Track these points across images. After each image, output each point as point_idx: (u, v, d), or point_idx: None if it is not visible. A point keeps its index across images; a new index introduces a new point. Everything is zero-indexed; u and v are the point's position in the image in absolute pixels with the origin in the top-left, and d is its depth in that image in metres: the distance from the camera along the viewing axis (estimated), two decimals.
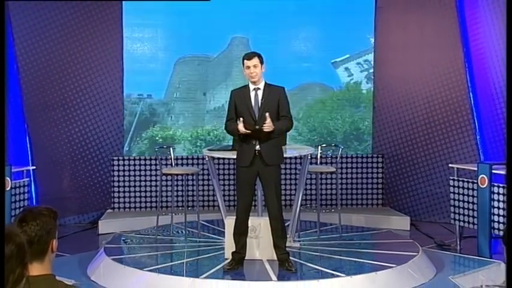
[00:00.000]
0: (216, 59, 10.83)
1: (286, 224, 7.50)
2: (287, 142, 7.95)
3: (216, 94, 10.82)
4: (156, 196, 10.17)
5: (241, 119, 6.85)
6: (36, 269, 3.22)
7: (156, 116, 10.87)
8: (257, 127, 6.87)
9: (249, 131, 6.82)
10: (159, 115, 10.88)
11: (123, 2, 10.55)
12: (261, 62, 7.03)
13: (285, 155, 7.46)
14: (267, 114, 6.82)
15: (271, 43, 10.44)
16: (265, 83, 7.12)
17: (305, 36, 10.90)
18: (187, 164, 10.44)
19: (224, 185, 10.23)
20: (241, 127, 6.81)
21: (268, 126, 6.79)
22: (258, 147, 6.92)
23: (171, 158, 9.34)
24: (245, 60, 7.03)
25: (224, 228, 7.81)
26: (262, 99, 7.01)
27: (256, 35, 10.64)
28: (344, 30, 10.79)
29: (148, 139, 10.77)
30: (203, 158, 9.63)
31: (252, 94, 7.05)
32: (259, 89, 7.06)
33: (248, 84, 7.11)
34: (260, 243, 7.49)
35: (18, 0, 10.20)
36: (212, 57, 10.83)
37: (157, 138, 10.75)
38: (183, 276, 7.06)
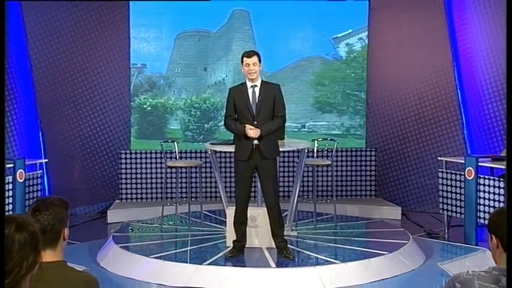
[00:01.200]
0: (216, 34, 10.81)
1: (284, 214, 7.50)
2: (285, 137, 7.98)
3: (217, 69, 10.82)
4: (161, 187, 10.17)
5: (247, 126, 6.89)
6: (48, 256, 3.24)
7: (156, 88, 10.86)
8: (255, 122, 6.90)
9: (257, 134, 6.86)
10: (159, 88, 10.87)
11: (131, 3, 10.54)
12: (259, 61, 7.05)
13: (283, 149, 7.47)
14: (247, 126, 6.87)
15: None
16: (262, 80, 7.14)
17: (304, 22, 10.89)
18: (190, 157, 10.45)
19: (226, 177, 10.23)
20: (252, 134, 6.84)
21: (254, 132, 6.85)
22: (256, 141, 6.93)
23: (175, 152, 9.34)
24: (245, 58, 7.03)
25: (226, 218, 7.81)
26: (259, 96, 7.02)
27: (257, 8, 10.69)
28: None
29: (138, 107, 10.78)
30: (206, 152, 9.65)
31: (250, 91, 7.05)
32: (256, 86, 7.06)
33: (245, 82, 7.11)
34: (259, 232, 7.50)
35: (32, 0, 10.21)
36: (212, 32, 10.81)
37: (145, 106, 10.74)
38: (187, 263, 7.07)
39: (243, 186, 7.12)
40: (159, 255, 7.33)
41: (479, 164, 8.61)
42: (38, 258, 2.49)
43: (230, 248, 7.33)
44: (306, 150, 8.28)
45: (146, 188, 10.64)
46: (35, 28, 10.35)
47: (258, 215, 7.48)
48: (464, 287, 3.28)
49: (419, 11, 10.73)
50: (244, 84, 7.13)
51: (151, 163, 10.62)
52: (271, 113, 7.02)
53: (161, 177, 10.29)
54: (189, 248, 7.83)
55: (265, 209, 7.23)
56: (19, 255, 2.40)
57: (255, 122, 6.93)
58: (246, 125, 6.90)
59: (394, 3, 10.83)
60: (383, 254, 7.29)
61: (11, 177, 8.46)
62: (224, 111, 7.33)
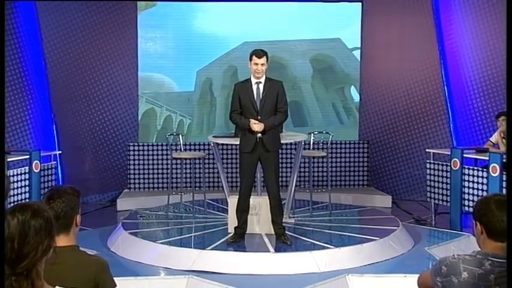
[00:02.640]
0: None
1: (282, 203, 7.50)
2: (283, 130, 7.97)
3: None
4: (167, 178, 10.17)
5: (252, 121, 6.89)
6: (62, 241, 3.25)
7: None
8: (259, 117, 6.89)
9: (261, 128, 6.86)
10: None
11: (138, 4, 10.52)
12: (267, 60, 7.01)
13: (282, 142, 7.47)
14: (252, 120, 6.87)
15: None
16: (266, 77, 7.09)
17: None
18: (194, 149, 10.45)
19: (227, 167, 10.23)
20: (256, 128, 6.84)
21: (258, 127, 6.84)
22: (259, 135, 6.91)
23: (180, 144, 9.34)
24: (254, 57, 6.96)
25: (227, 206, 7.81)
26: (263, 92, 7.00)
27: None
28: None
29: None
30: (209, 144, 9.63)
31: (254, 87, 7.02)
32: (260, 82, 7.03)
33: (250, 78, 7.08)
34: (259, 219, 7.51)
35: (46, 0, 10.19)
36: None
37: None
38: (191, 248, 7.08)
39: (247, 177, 7.11)
40: (165, 240, 7.35)
41: (464, 155, 8.62)
42: (52, 243, 2.50)
43: (232, 234, 7.33)
44: (303, 143, 8.28)
45: (153, 178, 10.64)
46: (49, 29, 10.34)
47: (259, 203, 7.48)
48: (450, 270, 3.28)
49: (408, 13, 10.71)
50: (249, 81, 7.09)
51: (157, 155, 10.62)
52: (274, 109, 7.00)
53: (167, 168, 10.28)
54: (193, 234, 7.84)
55: (266, 198, 7.23)
56: (35, 239, 2.41)
57: (259, 117, 6.92)
58: (251, 120, 6.89)
59: (385, 5, 10.80)
60: (374, 240, 7.30)
61: (27, 167, 8.47)
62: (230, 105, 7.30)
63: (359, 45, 10.83)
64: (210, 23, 10.69)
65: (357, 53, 10.86)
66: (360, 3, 10.76)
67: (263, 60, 6.95)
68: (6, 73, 10.01)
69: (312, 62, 10.89)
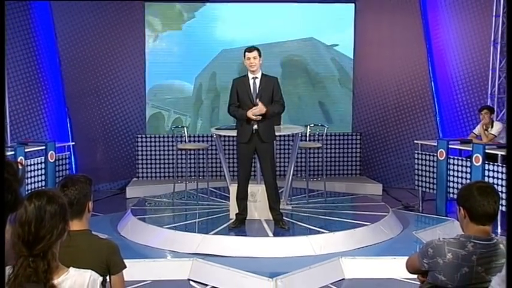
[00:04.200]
0: None
1: (280, 191, 7.50)
2: (281, 123, 7.98)
3: None
4: (173, 167, 10.19)
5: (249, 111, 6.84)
6: (75, 225, 3.27)
7: None
8: (257, 100, 6.86)
9: (258, 117, 6.83)
10: None
11: (146, 5, 10.51)
12: (260, 55, 7.01)
13: (280, 133, 7.47)
14: (258, 100, 6.84)
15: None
16: (262, 73, 7.09)
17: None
18: (198, 141, 10.44)
19: (229, 158, 10.23)
20: (250, 114, 6.80)
21: (259, 109, 6.81)
22: (255, 126, 6.91)
23: (184, 136, 9.34)
24: (246, 53, 6.97)
25: (229, 194, 7.82)
26: (259, 87, 6.98)
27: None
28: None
29: None
30: (212, 136, 9.64)
31: (251, 82, 7.01)
32: (257, 78, 7.01)
33: (247, 74, 7.06)
34: (258, 206, 7.50)
35: (61, 0, 10.18)
36: None
37: None
38: (195, 232, 7.08)
39: (244, 166, 7.10)
40: (171, 225, 7.36)
41: (450, 146, 8.64)
42: (66, 227, 2.51)
43: (233, 220, 7.33)
44: (300, 135, 8.29)
45: (160, 168, 10.65)
46: (63, 28, 10.33)
47: (258, 191, 7.48)
48: (436, 252, 3.31)
49: (398, 13, 10.70)
50: (246, 76, 7.07)
51: (163, 146, 10.62)
52: (271, 102, 6.96)
53: (173, 158, 10.30)
54: (197, 220, 7.83)
55: (264, 186, 7.25)
56: (50, 224, 2.43)
57: (257, 100, 6.89)
58: (248, 112, 6.87)
59: (376, 6, 10.79)
60: (366, 225, 7.31)
61: (43, 157, 8.51)
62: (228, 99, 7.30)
63: (338, 43, 10.82)
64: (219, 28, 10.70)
65: (334, 51, 10.84)
66: (353, 4, 10.75)
67: (254, 54, 6.93)
68: (20, 69, 10.02)
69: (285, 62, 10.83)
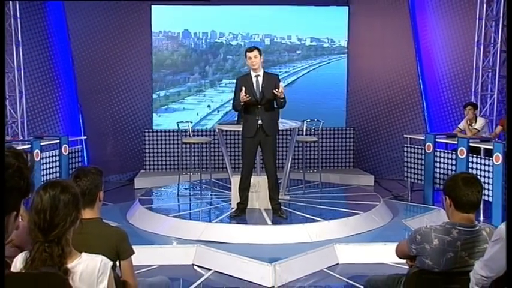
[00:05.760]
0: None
1: (279, 182, 7.50)
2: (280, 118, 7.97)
3: None
4: (178, 160, 10.19)
5: (243, 88, 6.73)
6: (87, 214, 3.28)
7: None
8: (259, 106, 6.83)
9: (248, 99, 6.72)
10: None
11: (152, 6, 10.50)
12: (260, 54, 6.99)
13: (279, 128, 7.46)
14: (282, 88, 6.74)
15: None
16: (264, 71, 7.06)
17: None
18: (202, 135, 10.46)
19: (230, 151, 10.24)
20: (242, 95, 6.66)
21: (281, 92, 6.73)
22: (260, 121, 6.89)
23: (189, 130, 9.34)
24: (247, 52, 6.95)
25: (231, 185, 7.82)
26: (262, 84, 6.94)
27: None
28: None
29: None
30: (214, 130, 9.65)
31: (254, 80, 6.97)
32: (259, 75, 6.97)
33: (250, 72, 7.04)
34: (259, 196, 7.49)
35: (73, 0, 10.17)
36: None
37: None
38: (199, 221, 7.10)
39: (249, 159, 7.08)
40: (176, 214, 7.36)
41: (437, 140, 8.65)
42: (79, 215, 2.52)
43: (234, 209, 7.34)
44: (297, 129, 8.28)
45: (166, 160, 10.66)
46: (76, 28, 10.34)
47: (258, 182, 7.48)
48: (423, 238, 3.32)
49: (389, 16, 10.70)
50: (249, 74, 7.03)
51: (169, 140, 10.63)
52: (274, 98, 6.97)
53: (178, 151, 10.31)
54: (200, 209, 7.85)
55: (264, 177, 7.21)
56: (63, 212, 2.44)
57: (259, 106, 6.89)
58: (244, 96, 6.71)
59: (368, 9, 10.78)
60: (359, 214, 7.31)
61: (57, 150, 8.52)
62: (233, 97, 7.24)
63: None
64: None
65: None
66: (347, 7, 10.74)
67: (255, 53, 6.90)
68: (36, 68, 10.02)
69: None
